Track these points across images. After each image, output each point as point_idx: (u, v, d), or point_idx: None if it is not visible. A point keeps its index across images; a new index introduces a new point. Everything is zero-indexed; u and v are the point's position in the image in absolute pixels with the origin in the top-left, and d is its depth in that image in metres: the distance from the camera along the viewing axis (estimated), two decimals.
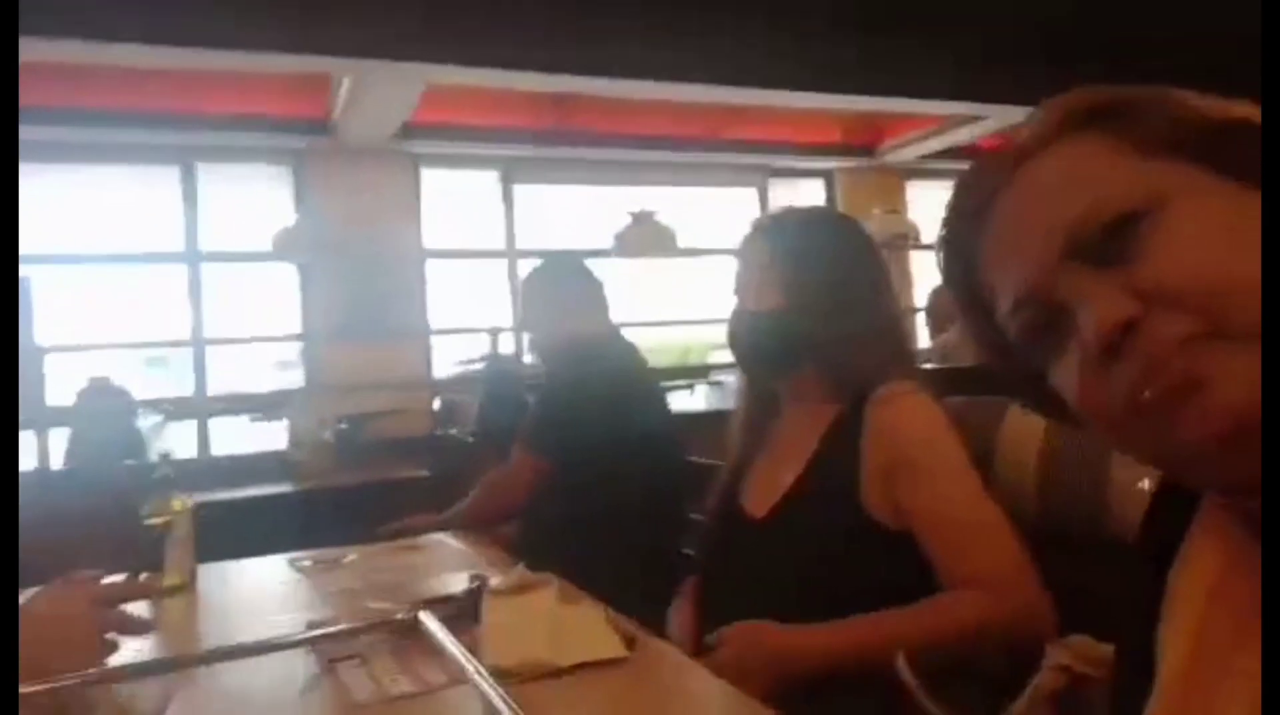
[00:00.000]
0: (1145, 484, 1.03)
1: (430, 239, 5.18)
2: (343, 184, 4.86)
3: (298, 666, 1.09)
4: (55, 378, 4.47)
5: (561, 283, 2.31)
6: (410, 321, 4.88)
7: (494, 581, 1.19)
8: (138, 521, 1.60)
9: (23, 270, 4.80)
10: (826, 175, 6.14)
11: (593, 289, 2.31)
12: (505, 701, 0.41)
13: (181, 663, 0.99)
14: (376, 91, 3.99)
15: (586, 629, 1.06)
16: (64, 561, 2.23)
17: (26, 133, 4.30)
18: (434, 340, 5.06)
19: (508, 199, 5.54)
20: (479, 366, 4.54)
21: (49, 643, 0.96)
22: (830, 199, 6.12)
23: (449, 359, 4.97)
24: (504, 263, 5.60)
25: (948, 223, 0.59)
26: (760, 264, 1.34)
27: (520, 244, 5.63)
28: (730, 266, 1.43)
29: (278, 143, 4.86)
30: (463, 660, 0.46)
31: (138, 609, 1.24)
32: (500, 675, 0.96)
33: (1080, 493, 1.17)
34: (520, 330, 2.59)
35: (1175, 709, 0.47)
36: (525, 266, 5.98)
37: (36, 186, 5.13)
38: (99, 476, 3.40)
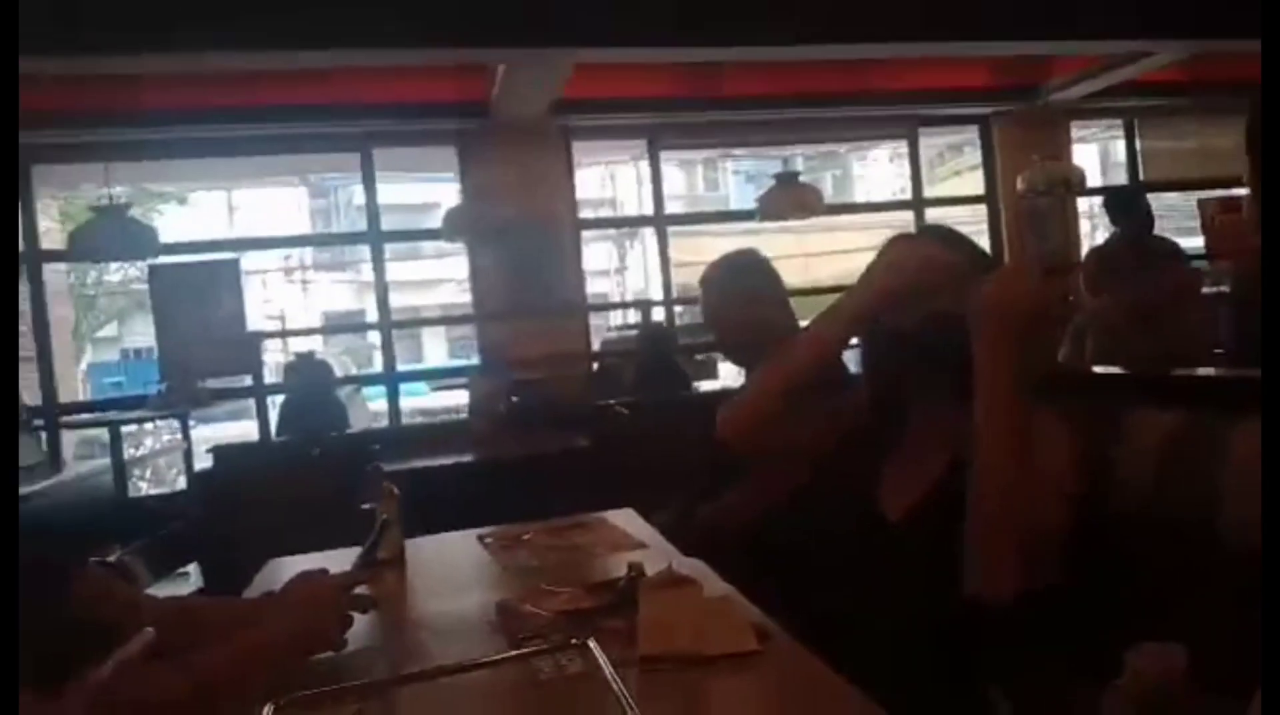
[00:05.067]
0: None
1: (583, 210, 5.41)
2: (500, 162, 5.15)
3: (490, 642, 1.32)
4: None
5: (748, 276, 2.24)
6: (567, 293, 5.16)
7: (649, 575, 1.39)
8: (342, 486, 1.83)
9: (231, 253, 5.44)
10: (981, 121, 5.89)
11: (776, 283, 2.26)
12: None
13: (392, 683, 1.20)
14: (529, 73, 4.22)
15: (726, 622, 1.24)
16: (283, 522, 2.61)
17: (229, 130, 4.92)
18: (591, 313, 5.31)
19: (655, 166, 5.68)
20: (635, 337, 4.77)
21: (303, 626, 1.22)
22: (986, 147, 5.88)
23: (605, 330, 5.26)
24: (652, 232, 5.78)
25: None
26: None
27: (668, 210, 5.78)
28: (881, 224, 1.42)
29: (442, 126, 5.20)
30: (620, 695, 0.61)
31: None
32: (651, 663, 1.16)
33: (1196, 486, 1.22)
34: (710, 328, 2.54)
35: None
36: (675, 234, 6.10)
37: (240, 178, 5.74)
38: (307, 446, 3.86)
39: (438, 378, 4.81)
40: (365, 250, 5.68)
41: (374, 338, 5.41)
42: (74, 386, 5.72)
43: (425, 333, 7.68)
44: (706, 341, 4.99)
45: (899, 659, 1.21)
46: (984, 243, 4.64)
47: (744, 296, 2.17)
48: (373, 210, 5.34)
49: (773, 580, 1.50)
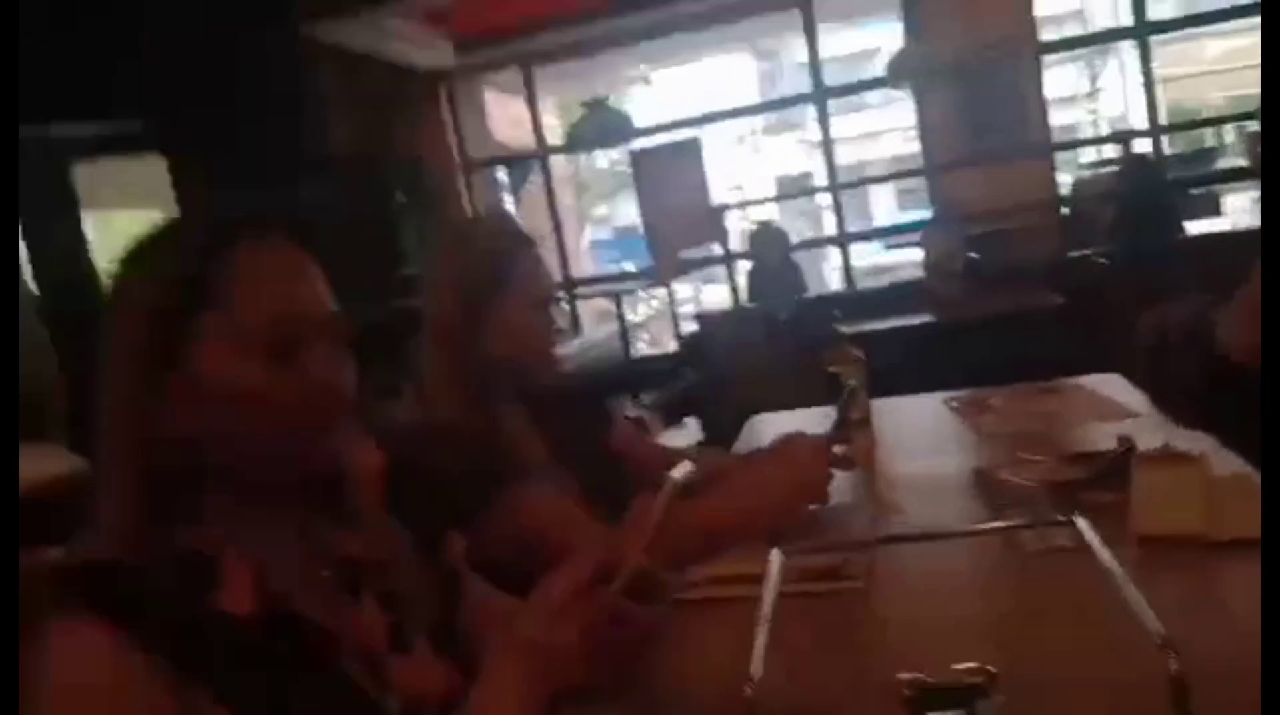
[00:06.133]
0: None
1: (1045, 31, 4.80)
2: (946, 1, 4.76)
3: (967, 508, 1.37)
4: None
5: None
6: (1029, 131, 4.68)
7: (1144, 449, 1.30)
8: (807, 348, 1.94)
9: (689, 132, 5.88)
10: None
11: None
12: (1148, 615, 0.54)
13: (883, 540, 1.29)
14: None
15: (1241, 503, 1.12)
16: (758, 381, 2.85)
17: (680, 8, 5.24)
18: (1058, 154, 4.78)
19: None
20: (1113, 174, 4.20)
21: (797, 480, 1.38)
22: None
23: (1076, 168, 4.69)
24: (1130, 46, 4.92)
25: None
26: None
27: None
28: None
29: None
30: (1115, 573, 0.61)
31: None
32: (1149, 543, 1.11)
33: None
34: None
35: None
36: (1160, 43, 5.07)
37: (694, 53, 6.09)
38: (773, 310, 4.14)
39: (888, 235, 4.74)
40: (812, 109, 5.73)
41: (826, 198, 5.51)
42: (581, 263, 6.77)
43: (875, 188, 7.53)
44: (1206, 172, 4.20)
45: None
46: None
47: None
48: (815, 66, 5.32)
49: None
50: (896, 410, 2.07)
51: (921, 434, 1.94)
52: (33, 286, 4.57)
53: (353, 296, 0.87)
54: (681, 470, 0.91)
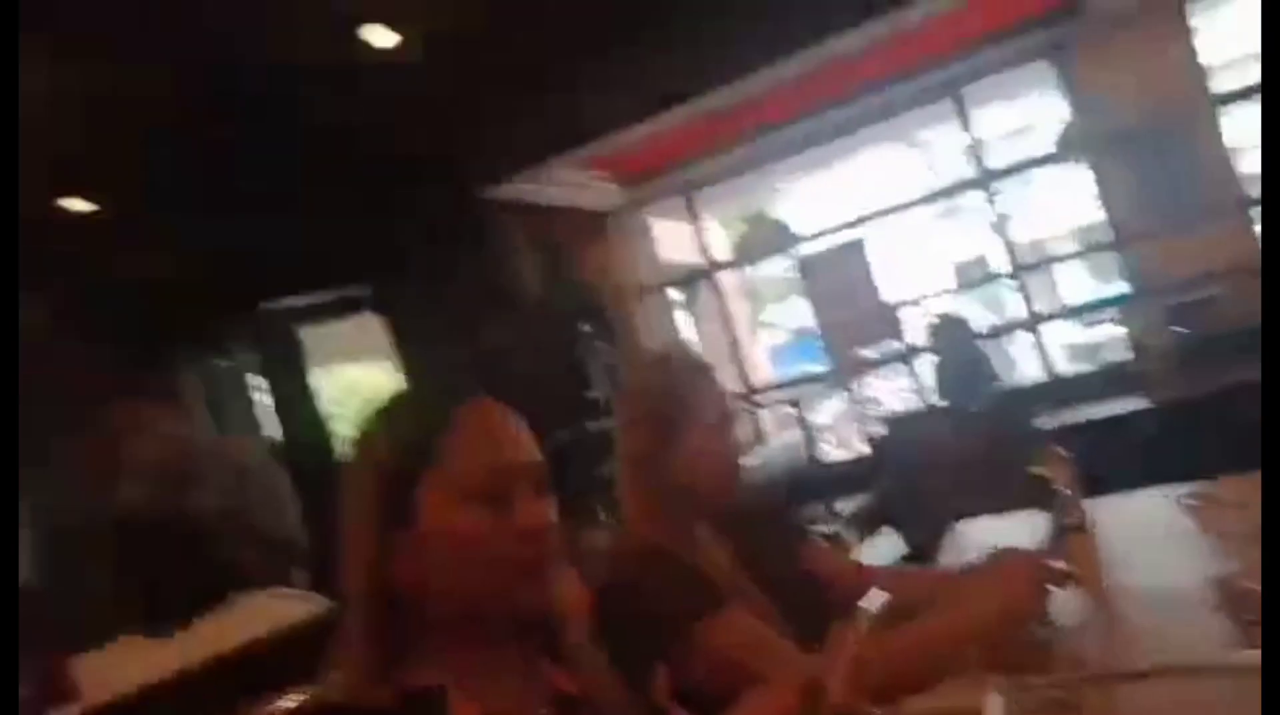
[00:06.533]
0: None
1: (1217, 79, 4.50)
2: (1107, 59, 4.60)
3: (1210, 625, 1.24)
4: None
5: None
6: (1216, 189, 4.33)
7: None
8: (1005, 443, 1.87)
9: (853, 233, 5.89)
10: None
11: None
12: None
13: (1109, 678, 1.16)
14: None
15: None
16: (957, 483, 2.72)
17: (830, 118, 5.37)
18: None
19: None
20: None
21: (1009, 601, 1.29)
22: None
23: None
24: None
25: None
26: None
27: None
28: None
29: (1030, 42, 4.87)
30: None
31: None
32: None
33: None
34: None
35: None
36: None
37: (848, 155, 6.17)
38: (963, 405, 3.97)
39: (1082, 314, 4.46)
40: (980, 192, 5.61)
41: (1009, 279, 5.31)
42: (760, 370, 6.82)
43: (1060, 264, 7.16)
44: None
45: None
46: None
47: None
48: (976, 150, 5.24)
49: None
50: (1118, 511, 1.91)
51: (1149, 538, 1.77)
52: (277, 435, 5.16)
53: (546, 422, 0.95)
54: (875, 600, 0.90)
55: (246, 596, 1.55)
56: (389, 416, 0.90)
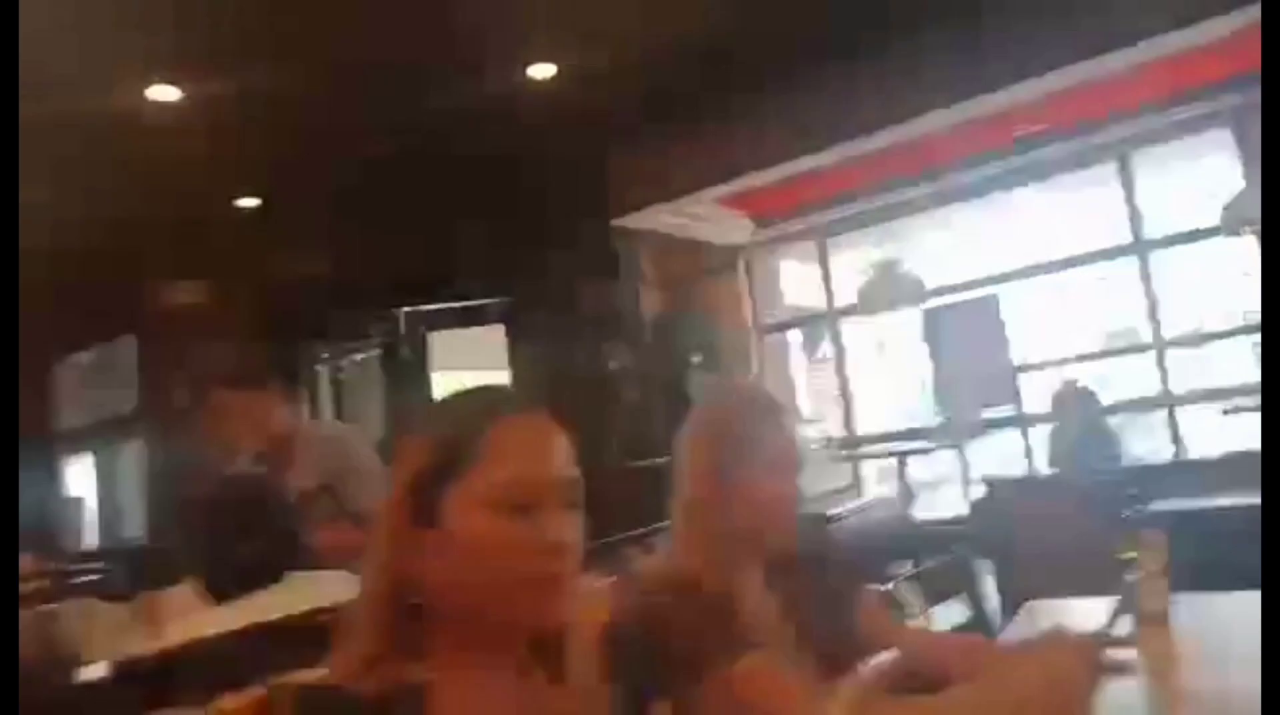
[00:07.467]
0: None
1: None
2: None
3: None
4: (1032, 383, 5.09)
5: None
6: None
7: None
8: (1105, 525, 1.73)
9: (990, 289, 5.66)
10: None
11: None
12: None
13: None
14: None
15: None
16: (1047, 558, 2.56)
17: (983, 171, 5.20)
18: None
19: None
20: None
21: (1053, 682, 1.20)
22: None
23: None
24: None
25: None
26: None
27: None
28: None
29: (1213, 107, 4.61)
30: None
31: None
32: None
33: None
34: None
35: None
36: None
37: (997, 210, 5.98)
38: (1071, 481, 3.75)
39: (1225, 397, 4.09)
40: (1132, 261, 5.29)
41: (1154, 355, 4.99)
42: (870, 421, 6.65)
43: (1215, 344, 6.58)
44: None
45: None
46: None
47: None
48: (1135, 217, 4.96)
49: None
50: (1211, 609, 1.76)
51: (1241, 639, 1.61)
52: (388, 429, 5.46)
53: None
54: (880, 666, 0.86)
55: (305, 573, 1.64)
56: (433, 417, 0.93)
